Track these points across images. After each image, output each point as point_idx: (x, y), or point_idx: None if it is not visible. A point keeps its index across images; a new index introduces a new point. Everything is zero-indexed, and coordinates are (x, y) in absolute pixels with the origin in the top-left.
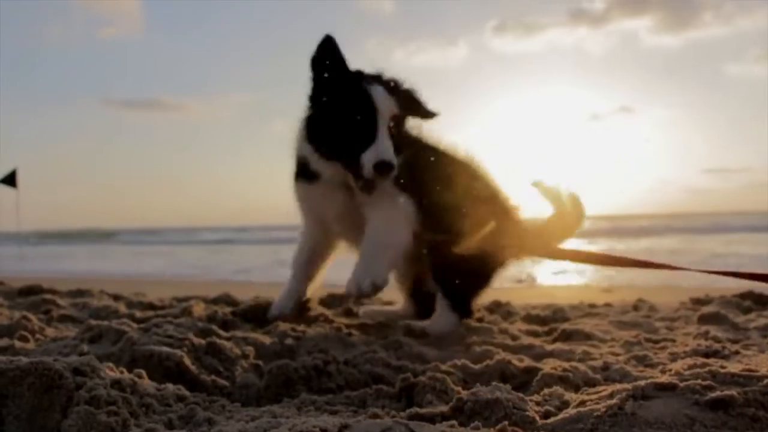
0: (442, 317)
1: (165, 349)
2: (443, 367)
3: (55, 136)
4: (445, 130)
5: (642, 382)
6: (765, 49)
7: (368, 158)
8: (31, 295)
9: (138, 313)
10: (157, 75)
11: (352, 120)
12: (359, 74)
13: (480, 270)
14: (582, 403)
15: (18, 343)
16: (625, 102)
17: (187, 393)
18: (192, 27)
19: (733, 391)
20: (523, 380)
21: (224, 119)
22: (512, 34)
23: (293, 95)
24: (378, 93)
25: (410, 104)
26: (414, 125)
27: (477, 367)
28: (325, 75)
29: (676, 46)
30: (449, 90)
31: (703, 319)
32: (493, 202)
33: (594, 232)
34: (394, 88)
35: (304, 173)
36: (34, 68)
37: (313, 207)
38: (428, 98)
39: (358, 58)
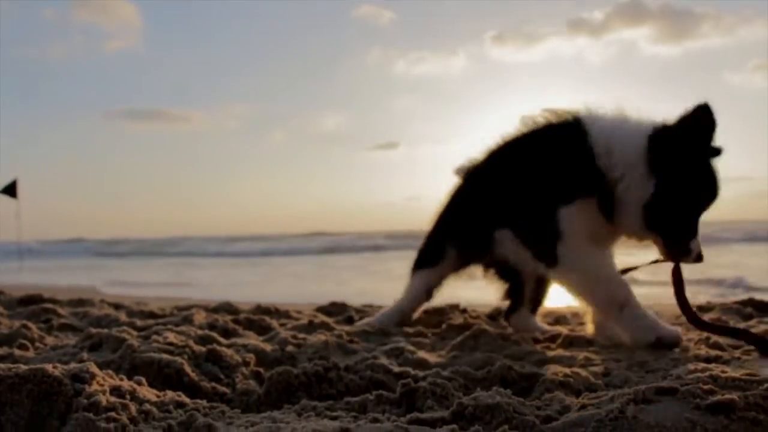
0: None
1: (165, 356)
2: (444, 373)
3: (57, 147)
4: (447, 139)
5: (643, 386)
6: (764, 59)
7: (695, 246)
8: (31, 304)
9: (139, 322)
10: (159, 87)
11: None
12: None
13: None
14: (583, 407)
15: (17, 352)
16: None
17: (186, 400)
18: (193, 39)
19: (734, 395)
20: (525, 386)
21: (227, 129)
22: (512, 43)
23: (291, 105)
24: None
25: None
26: None
27: (478, 373)
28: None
29: (676, 55)
30: (450, 100)
31: None
32: None
33: None
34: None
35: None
36: (37, 81)
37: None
38: (430, 109)
39: (360, 70)
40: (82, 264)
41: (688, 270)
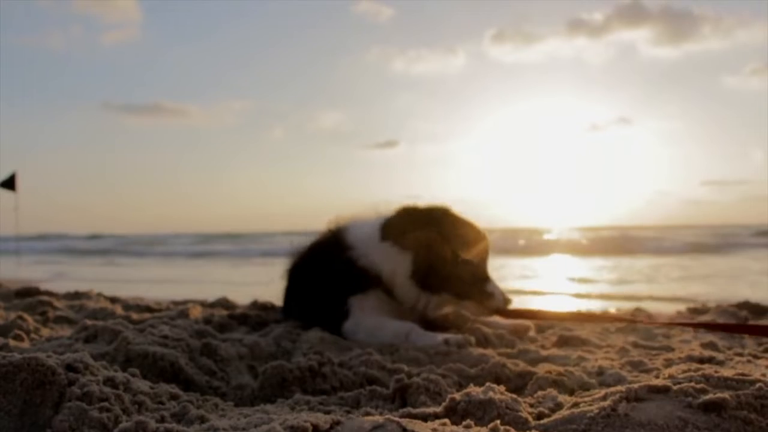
0: None
1: (160, 349)
2: (438, 370)
3: (55, 140)
4: (447, 138)
5: (635, 385)
6: (762, 62)
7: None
8: (28, 296)
9: (134, 315)
10: (157, 80)
11: None
12: None
13: None
14: (575, 404)
15: (12, 342)
16: (623, 113)
17: (180, 392)
18: (192, 33)
19: (725, 394)
20: (518, 384)
21: (225, 125)
22: (511, 43)
23: (290, 102)
24: None
25: None
26: None
27: (472, 370)
28: None
29: (675, 58)
30: (449, 99)
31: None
32: None
33: (593, 246)
34: None
35: None
36: (35, 73)
37: None
38: (429, 108)
39: (359, 68)
40: (36, 260)
41: (688, 275)
